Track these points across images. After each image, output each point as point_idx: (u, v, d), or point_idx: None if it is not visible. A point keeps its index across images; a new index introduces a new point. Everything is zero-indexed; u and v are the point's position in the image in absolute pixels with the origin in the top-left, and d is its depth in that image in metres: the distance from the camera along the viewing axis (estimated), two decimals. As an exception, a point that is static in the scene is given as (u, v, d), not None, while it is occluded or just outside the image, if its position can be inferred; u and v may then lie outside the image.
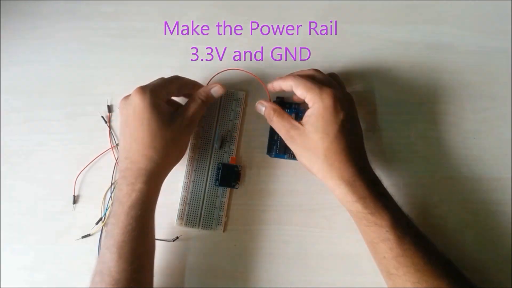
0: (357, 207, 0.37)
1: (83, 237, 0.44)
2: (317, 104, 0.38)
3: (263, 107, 0.42)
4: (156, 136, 0.38)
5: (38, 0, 0.50)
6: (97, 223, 0.44)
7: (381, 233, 0.37)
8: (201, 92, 0.42)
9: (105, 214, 0.45)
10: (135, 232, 0.37)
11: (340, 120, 0.38)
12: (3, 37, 0.49)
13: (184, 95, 0.44)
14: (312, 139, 0.38)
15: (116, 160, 0.46)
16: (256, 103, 0.43)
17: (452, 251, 0.42)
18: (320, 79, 0.40)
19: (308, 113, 0.39)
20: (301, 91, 0.39)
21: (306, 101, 0.39)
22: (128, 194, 0.38)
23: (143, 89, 0.39)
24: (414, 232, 0.38)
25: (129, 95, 0.39)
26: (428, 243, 0.38)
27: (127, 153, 0.39)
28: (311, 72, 0.42)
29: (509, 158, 0.45)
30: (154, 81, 0.41)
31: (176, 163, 0.42)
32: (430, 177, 0.45)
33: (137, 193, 0.38)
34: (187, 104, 0.42)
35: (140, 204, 0.37)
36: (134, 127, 0.38)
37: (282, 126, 0.40)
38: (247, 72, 0.46)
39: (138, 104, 0.38)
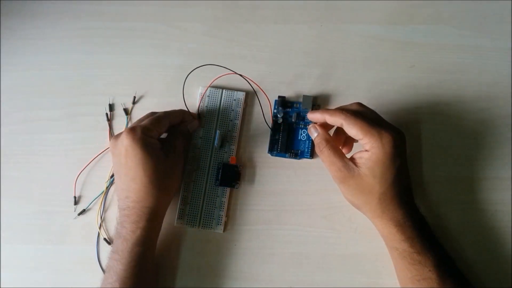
0: (404, 246, 0.38)
1: (79, 214, 0.45)
2: (377, 149, 0.37)
3: (316, 133, 0.41)
4: (153, 174, 0.39)
5: (38, 0, 0.50)
6: (79, 212, 0.44)
7: (424, 272, 0.37)
8: (183, 129, 0.44)
9: (102, 212, 0.45)
10: (137, 268, 0.38)
11: (398, 166, 0.37)
12: (3, 37, 0.49)
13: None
14: (368, 183, 0.38)
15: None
16: (310, 126, 0.42)
17: (452, 251, 0.41)
18: (371, 118, 0.39)
19: (365, 155, 0.38)
20: (356, 132, 0.37)
21: (362, 143, 0.38)
22: (132, 232, 0.39)
23: (134, 130, 0.39)
24: (456, 273, 0.39)
25: (119, 135, 0.39)
26: (469, 286, 0.39)
27: (127, 193, 0.39)
28: (358, 108, 0.40)
29: (509, 158, 0.45)
30: (144, 119, 0.42)
31: (173, 195, 0.43)
32: (430, 177, 0.45)
33: (141, 231, 0.39)
34: (174, 138, 0.43)
35: (144, 242, 0.39)
36: (130, 167, 0.38)
37: (332, 162, 0.39)
38: (245, 77, 0.45)
39: (130, 145, 0.38)
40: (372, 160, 0.37)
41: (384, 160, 0.37)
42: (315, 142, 0.41)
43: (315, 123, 0.42)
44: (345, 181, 0.39)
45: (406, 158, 0.40)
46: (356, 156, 0.39)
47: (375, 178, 0.37)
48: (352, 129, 0.38)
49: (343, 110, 0.39)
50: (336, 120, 0.39)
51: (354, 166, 0.38)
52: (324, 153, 0.40)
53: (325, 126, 0.42)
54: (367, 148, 0.38)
